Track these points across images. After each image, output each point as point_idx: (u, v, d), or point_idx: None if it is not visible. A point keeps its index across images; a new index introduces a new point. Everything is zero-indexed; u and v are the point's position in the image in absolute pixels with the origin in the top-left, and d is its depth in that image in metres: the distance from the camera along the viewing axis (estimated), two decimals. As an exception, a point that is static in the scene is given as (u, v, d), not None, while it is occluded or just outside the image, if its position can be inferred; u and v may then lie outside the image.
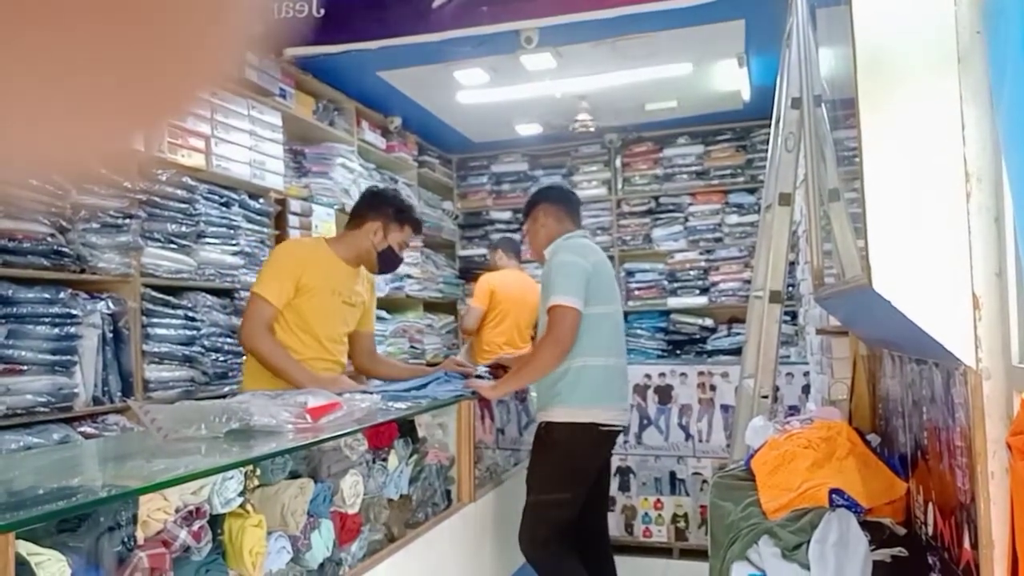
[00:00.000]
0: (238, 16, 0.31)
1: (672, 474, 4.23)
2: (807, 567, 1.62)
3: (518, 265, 5.07)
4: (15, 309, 2.58)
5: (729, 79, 4.67)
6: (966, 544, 1.37)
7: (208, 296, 3.43)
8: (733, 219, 5.75)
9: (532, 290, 5.00)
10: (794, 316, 4.67)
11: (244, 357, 2.75)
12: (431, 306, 5.79)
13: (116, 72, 0.28)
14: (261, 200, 3.84)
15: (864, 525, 1.71)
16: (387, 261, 2.79)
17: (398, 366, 3.26)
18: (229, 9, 0.31)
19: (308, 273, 2.58)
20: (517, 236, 5.97)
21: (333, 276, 2.67)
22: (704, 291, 5.75)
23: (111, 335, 2.95)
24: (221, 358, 3.42)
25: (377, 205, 2.77)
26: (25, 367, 2.60)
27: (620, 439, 3.91)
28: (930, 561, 1.62)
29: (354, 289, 2.76)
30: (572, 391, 2.66)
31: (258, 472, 1.74)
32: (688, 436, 4.20)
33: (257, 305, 2.51)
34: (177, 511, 1.48)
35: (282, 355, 2.50)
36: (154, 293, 3.16)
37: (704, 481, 4.07)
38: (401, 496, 2.32)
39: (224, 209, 3.58)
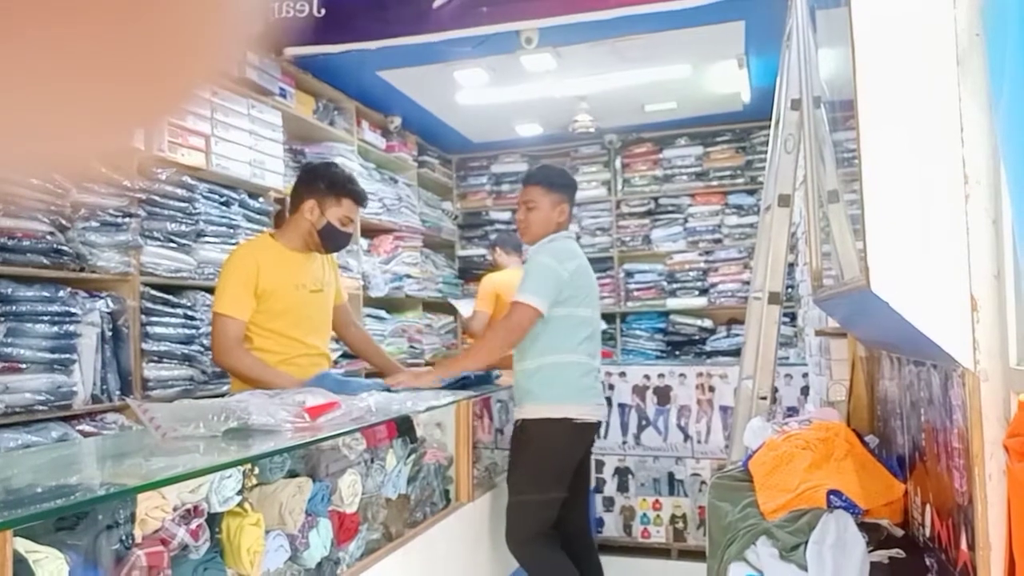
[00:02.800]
0: (236, 13, 0.31)
1: (671, 475, 4.22)
2: (805, 568, 1.62)
3: (519, 262, 5.02)
4: (14, 307, 2.58)
5: (729, 80, 4.67)
6: (963, 546, 1.38)
7: (207, 295, 3.42)
8: (732, 220, 5.76)
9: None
10: (793, 317, 4.67)
11: None
12: (430, 306, 5.79)
13: (114, 69, 0.29)
14: (261, 199, 3.84)
15: (862, 526, 1.71)
16: (330, 239, 2.66)
17: (374, 348, 3.20)
18: (227, 6, 0.31)
19: (264, 276, 2.51)
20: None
21: (291, 270, 2.60)
22: (703, 292, 5.76)
23: (110, 334, 2.95)
24: (220, 357, 3.42)
25: (309, 182, 2.67)
26: (24, 365, 2.60)
27: (619, 440, 3.91)
28: (927, 562, 1.62)
29: (316, 276, 2.69)
30: (545, 388, 2.67)
31: (256, 471, 1.74)
32: (687, 437, 4.19)
33: (220, 324, 2.47)
34: (175, 509, 1.48)
35: (255, 365, 2.47)
36: (153, 292, 3.15)
37: (703, 482, 4.07)
38: (399, 495, 2.33)
39: (224, 208, 3.58)
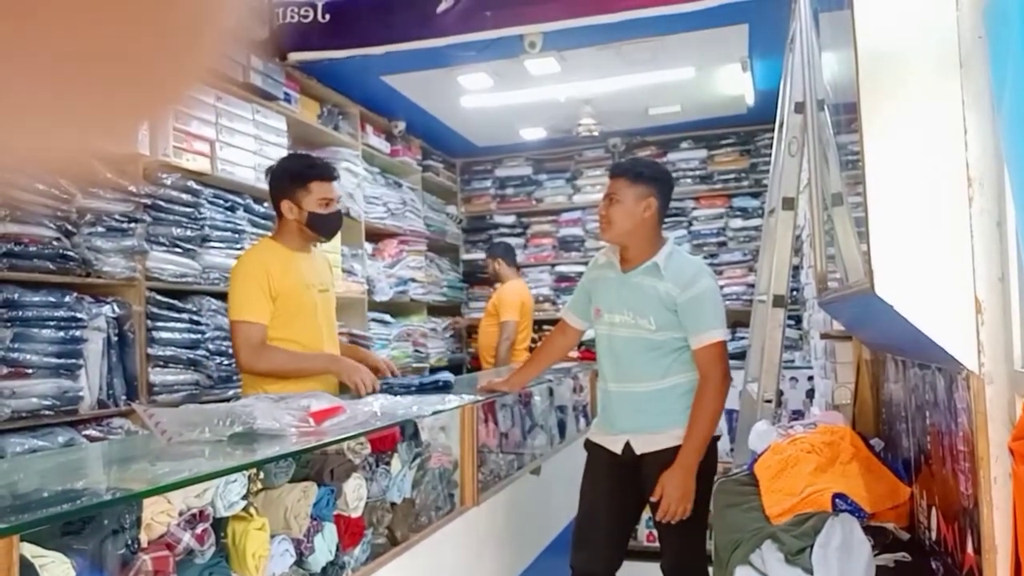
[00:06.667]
0: (228, 12, 0.31)
1: (676, 478, 4.21)
2: (810, 572, 1.62)
3: (517, 273, 5.25)
4: (21, 312, 2.59)
5: (733, 83, 4.67)
6: (969, 549, 1.37)
7: (213, 300, 3.44)
8: (737, 223, 5.75)
9: (530, 298, 5.30)
10: (798, 320, 4.66)
11: None
12: (435, 310, 5.80)
13: (104, 69, 0.29)
14: (266, 204, 3.85)
15: (867, 530, 1.70)
16: (320, 226, 2.59)
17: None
18: (219, 6, 0.31)
19: (274, 278, 2.49)
20: (514, 241, 6.02)
21: (298, 270, 2.57)
22: (708, 295, 5.75)
23: (116, 338, 2.96)
24: (226, 361, 3.43)
25: (275, 184, 2.60)
26: (30, 370, 2.61)
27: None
28: (933, 566, 1.62)
29: (322, 276, 2.69)
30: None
31: (261, 475, 1.74)
32: (692, 440, 4.18)
33: (241, 330, 2.41)
34: (181, 514, 1.48)
35: (288, 358, 2.46)
36: (159, 297, 3.17)
37: (708, 485, 4.06)
38: (404, 500, 2.32)
39: (229, 213, 3.60)
